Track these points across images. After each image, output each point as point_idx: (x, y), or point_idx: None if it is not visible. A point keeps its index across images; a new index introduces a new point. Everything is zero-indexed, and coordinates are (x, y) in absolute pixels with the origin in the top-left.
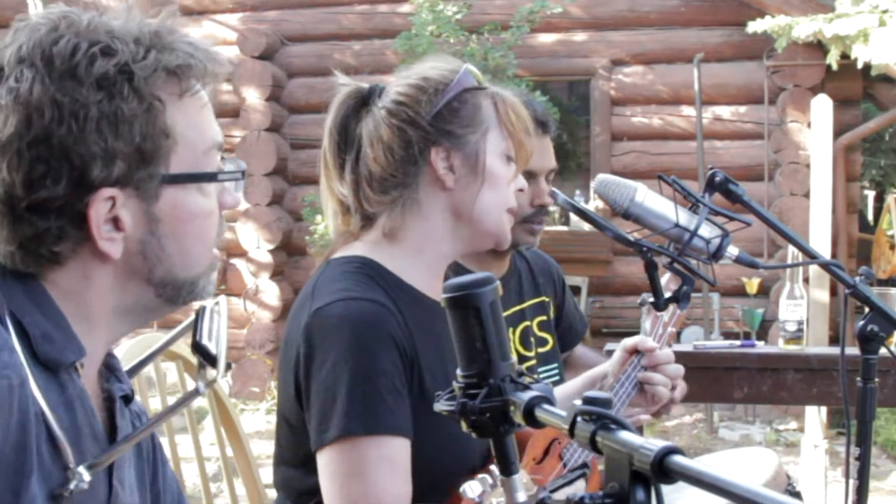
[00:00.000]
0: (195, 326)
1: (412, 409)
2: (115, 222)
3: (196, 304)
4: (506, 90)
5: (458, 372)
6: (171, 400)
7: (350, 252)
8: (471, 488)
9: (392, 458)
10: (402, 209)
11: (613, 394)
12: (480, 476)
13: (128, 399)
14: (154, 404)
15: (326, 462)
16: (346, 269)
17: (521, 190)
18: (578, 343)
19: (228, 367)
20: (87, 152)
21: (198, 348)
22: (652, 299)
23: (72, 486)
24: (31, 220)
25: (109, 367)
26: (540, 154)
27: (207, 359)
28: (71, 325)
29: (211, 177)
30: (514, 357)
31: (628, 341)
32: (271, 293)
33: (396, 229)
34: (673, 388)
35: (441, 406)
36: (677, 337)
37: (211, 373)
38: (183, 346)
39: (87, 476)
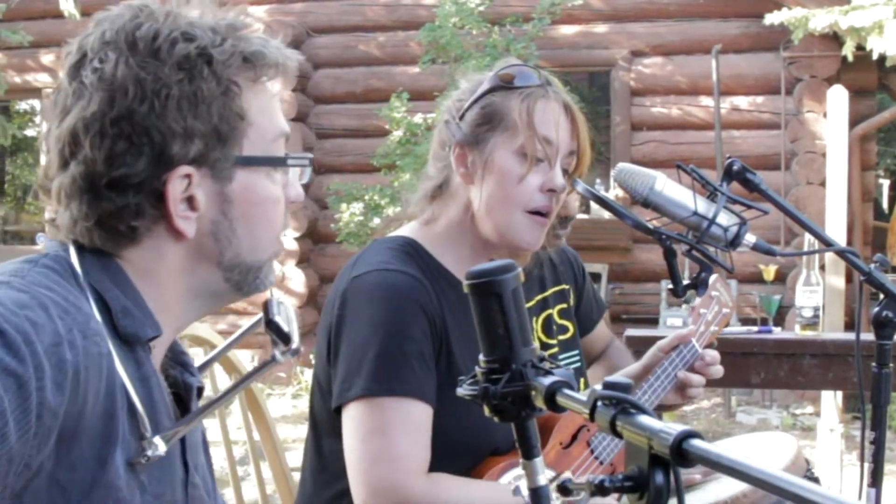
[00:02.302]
0: (266, 309)
1: (440, 383)
2: (190, 202)
3: (259, 298)
4: (556, 91)
5: (481, 357)
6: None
7: (397, 233)
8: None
9: (413, 420)
10: (439, 200)
11: (648, 386)
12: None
13: (200, 392)
14: None
15: (350, 419)
16: (388, 246)
17: (552, 190)
18: (593, 329)
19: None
20: (168, 129)
21: (270, 325)
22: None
23: (148, 452)
24: (111, 197)
25: (181, 363)
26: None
27: (280, 336)
28: (146, 303)
29: (281, 161)
30: (537, 344)
31: (664, 341)
32: (297, 280)
33: (434, 218)
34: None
35: (464, 391)
36: None
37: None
38: (209, 331)
39: (162, 446)
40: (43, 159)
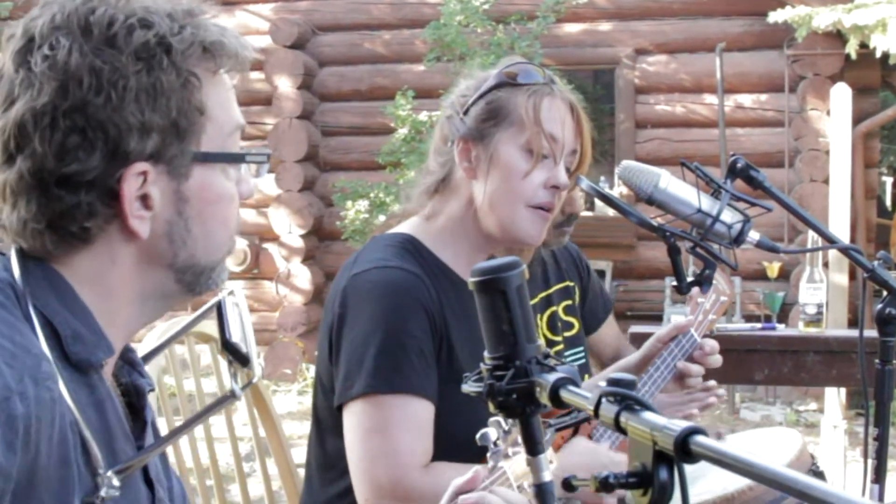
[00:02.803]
0: (221, 323)
1: (441, 380)
2: (144, 200)
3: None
4: (561, 90)
5: (486, 354)
6: (205, 382)
7: (396, 229)
8: (490, 434)
9: (415, 417)
10: (440, 195)
11: (648, 377)
12: (493, 420)
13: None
14: (188, 386)
15: (351, 417)
16: (388, 243)
17: (555, 187)
18: (599, 327)
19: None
20: (124, 123)
21: (227, 347)
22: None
23: (102, 493)
24: (61, 195)
25: (129, 361)
26: None
27: (238, 357)
28: (98, 322)
29: (240, 157)
30: (542, 342)
31: (662, 331)
32: (303, 277)
33: (435, 214)
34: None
35: (469, 387)
36: None
37: (245, 373)
38: (216, 329)
39: (116, 481)
40: None
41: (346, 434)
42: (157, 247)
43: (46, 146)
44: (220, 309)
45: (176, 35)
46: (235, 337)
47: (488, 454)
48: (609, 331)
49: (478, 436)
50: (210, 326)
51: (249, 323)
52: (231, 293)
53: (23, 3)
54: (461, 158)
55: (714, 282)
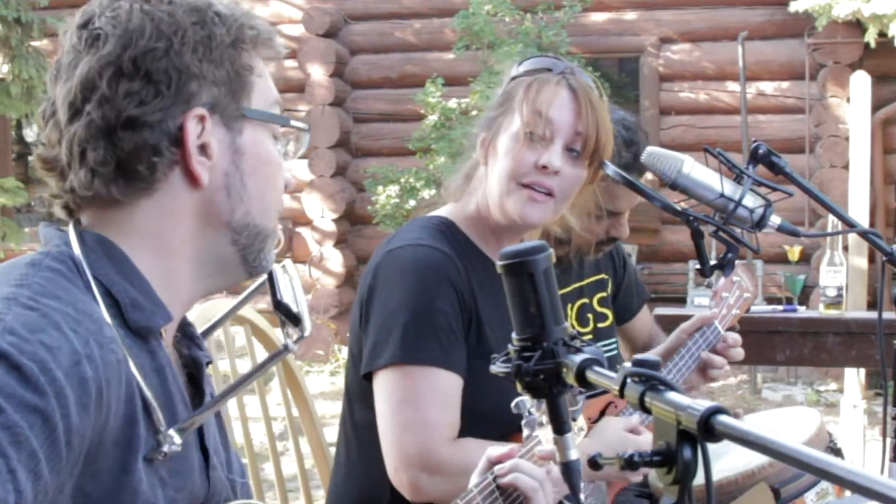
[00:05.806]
0: (272, 287)
1: (470, 356)
2: (204, 150)
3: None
4: (576, 78)
5: (514, 335)
6: (240, 363)
7: (435, 212)
8: (525, 402)
9: (442, 389)
10: (472, 182)
11: (672, 365)
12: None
13: (208, 365)
14: (223, 367)
15: (381, 387)
16: (424, 224)
17: (544, 167)
18: (633, 317)
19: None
20: (185, 68)
21: (279, 307)
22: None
23: (164, 448)
24: (128, 136)
25: (188, 335)
26: (626, 196)
27: (289, 317)
28: (154, 290)
29: (284, 120)
30: (568, 324)
31: (687, 323)
32: (335, 260)
33: (467, 198)
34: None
35: (497, 368)
36: None
37: (295, 331)
38: (251, 311)
39: (177, 439)
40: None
41: (377, 404)
42: (215, 200)
43: (114, 91)
44: (270, 276)
45: (223, 4)
46: (286, 298)
47: (523, 422)
48: (643, 318)
49: (513, 403)
50: (245, 310)
51: (300, 287)
52: (283, 266)
53: None
54: (480, 147)
55: (738, 278)
